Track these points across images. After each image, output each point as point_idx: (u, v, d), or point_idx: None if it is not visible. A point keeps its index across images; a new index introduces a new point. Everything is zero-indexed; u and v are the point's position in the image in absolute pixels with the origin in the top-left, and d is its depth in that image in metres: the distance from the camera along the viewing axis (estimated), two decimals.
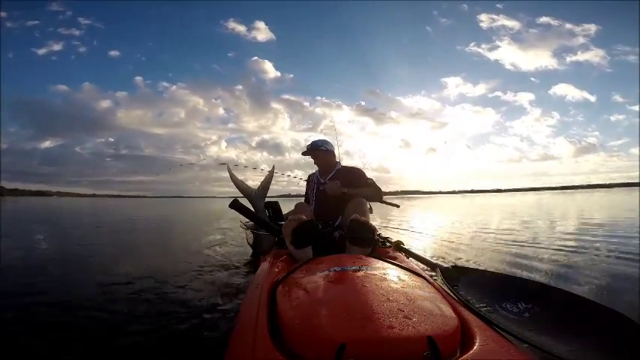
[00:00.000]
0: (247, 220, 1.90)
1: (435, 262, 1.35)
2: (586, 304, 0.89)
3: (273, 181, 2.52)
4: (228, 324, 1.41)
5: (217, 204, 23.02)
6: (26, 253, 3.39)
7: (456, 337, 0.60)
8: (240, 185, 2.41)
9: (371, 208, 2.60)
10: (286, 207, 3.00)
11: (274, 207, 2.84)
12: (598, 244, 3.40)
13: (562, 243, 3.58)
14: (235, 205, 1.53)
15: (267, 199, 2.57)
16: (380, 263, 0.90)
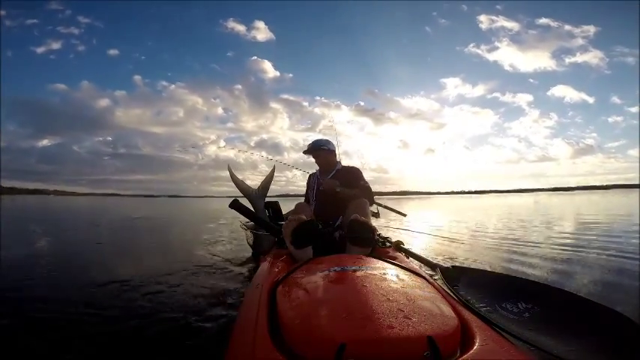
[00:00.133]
0: (247, 220, 1.90)
1: (435, 262, 1.35)
2: (586, 304, 0.89)
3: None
4: (228, 324, 1.41)
5: (215, 203, 23.02)
6: (25, 252, 3.38)
7: (456, 337, 0.60)
8: (240, 185, 2.41)
9: (378, 213, 2.59)
10: (285, 207, 3.00)
11: (274, 207, 2.84)
12: (598, 245, 3.41)
13: (561, 242, 3.59)
14: (235, 205, 1.53)
15: (267, 199, 2.56)
16: (380, 263, 0.90)
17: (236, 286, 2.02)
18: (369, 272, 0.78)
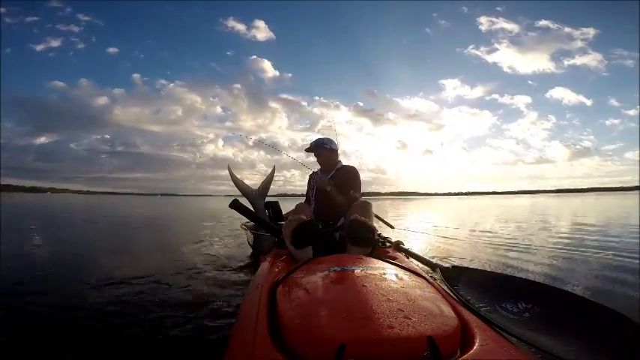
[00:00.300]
0: (247, 220, 1.90)
1: (435, 262, 1.35)
2: (586, 304, 0.89)
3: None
4: (228, 324, 1.41)
5: (213, 202, 22.97)
6: (23, 250, 3.37)
7: (456, 337, 0.60)
8: (240, 185, 2.41)
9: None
10: (284, 207, 3.00)
11: (274, 207, 2.84)
12: (597, 244, 3.41)
13: (560, 242, 3.59)
14: (235, 205, 1.53)
15: (267, 199, 2.56)
16: (380, 263, 0.90)
17: (236, 286, 2.02)
18: (369, 272, 0.78)
